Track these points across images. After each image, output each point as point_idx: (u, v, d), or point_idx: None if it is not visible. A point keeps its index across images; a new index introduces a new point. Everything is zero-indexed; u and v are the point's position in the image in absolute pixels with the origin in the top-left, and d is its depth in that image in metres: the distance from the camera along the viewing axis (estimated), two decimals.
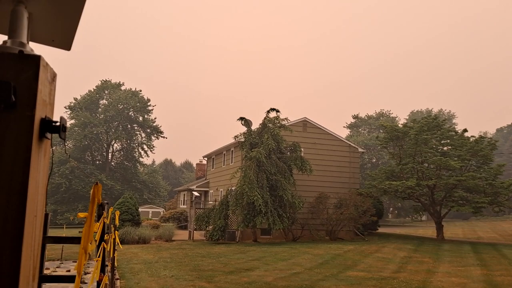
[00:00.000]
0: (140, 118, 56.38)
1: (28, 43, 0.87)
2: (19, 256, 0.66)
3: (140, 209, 29.02)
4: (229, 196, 23.62)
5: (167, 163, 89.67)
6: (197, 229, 25.27)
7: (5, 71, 0.72)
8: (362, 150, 31.02)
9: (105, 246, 5.86)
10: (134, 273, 12.23)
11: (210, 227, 23.54)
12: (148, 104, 56.32)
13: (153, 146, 57.63)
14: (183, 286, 10.59)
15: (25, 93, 0.73)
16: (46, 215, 6.34)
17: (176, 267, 13.50)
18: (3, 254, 0.66)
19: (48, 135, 0.78)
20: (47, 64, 0.77)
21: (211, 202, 30.75)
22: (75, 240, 7.28)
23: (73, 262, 15.04)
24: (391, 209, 63.35)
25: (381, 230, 31.52)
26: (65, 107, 54.81)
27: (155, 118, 57.91)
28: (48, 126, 0.77)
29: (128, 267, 13.46)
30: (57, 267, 13.11)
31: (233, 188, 23.77)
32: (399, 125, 34.08)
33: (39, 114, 0.75)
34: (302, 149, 24.68)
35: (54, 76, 0.82)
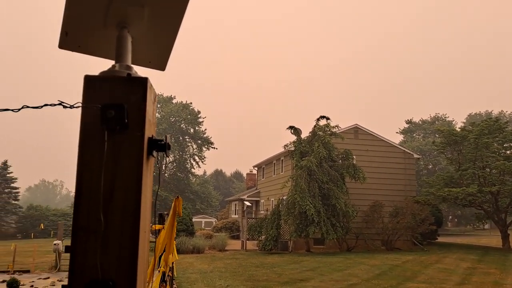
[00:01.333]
0: (191, 130, 57.79)
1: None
2: (135, 269, 0.69)
3: (193, 219, 29.60)
4: (281, 206, 23.52)
5: (218, 173, 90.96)
6: (249, 239, 25.35)
7: (117, 94, 0.77)
8: (418, 156, 29.89)
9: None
10: (191, 283, 12.44)
11: (263, 237, 23.52)
12: (199, 116, 57.66)
13: (204, 157, 58.77)
14: None
15: (135, 114, 0.76)
16: None
17: (231, 277, 13.59)
18: (122, 267, 0.69)
19: (154, 153, 0.82)
20: (151, 85, 0.81)
21: (263, 212, 30.79)
22: None
23: None
24: (450, 217, 60.39)
25: (440, 239, 30.08)
26: None
27: (206, 130, 59.15)
28: (154, 144, 0.81)
29: (185, 276, 13.72)
30: None
31: (284, 198, 23.68)
32: (457, 129, 32.56)
33: (147, 133, 0.78)
34: (354, 157, 24.18)
35: (155, 96, 0.85)
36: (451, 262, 18.11)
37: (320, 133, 23.35)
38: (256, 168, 38.43)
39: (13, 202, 49.33)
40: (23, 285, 11.96)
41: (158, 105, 58.44)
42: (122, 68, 0.89)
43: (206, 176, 77.18)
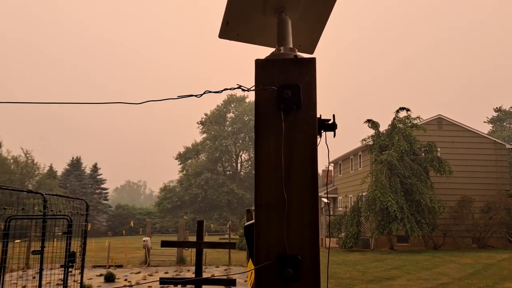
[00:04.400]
0: None
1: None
2: (317, 243, 0.71)
3: None
4: (360, 202, 22.95)
5: None
6: (328, 236, 25.06)
7: (289, 75, 0.79)
8: (510, 147, 27.54)
9: None
10: None
11: (343, 234, 23.13)
12: None
13: None
14: None
15: (306, 94, 0.78)
16: (201, 222, 6.83)
17: None
18: (305, 242, 0.72)
19: (322, 133, 0.83)
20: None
21: (341, 209, 30.26)
22: (227, 245, 7.81)
23: (215, 267, 16.09)
24: None
25: None
26: (197, 123, 59.59)
27: None
28: (323, 124, 0.82)
29: None
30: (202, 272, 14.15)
31: (364, 194, 23.05)
32: None
33: (317, 113, 0.80)
34: (439, 149, 22.86)
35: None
36: None
37: (400, 125, 22.38)
38: (332, 164, 37.84)
39: (103, 202, 53.32)
40: (118, 278, 12.93)
41: (232, 105, 59.85)
42: (287, 51, 0.92)
43: None
